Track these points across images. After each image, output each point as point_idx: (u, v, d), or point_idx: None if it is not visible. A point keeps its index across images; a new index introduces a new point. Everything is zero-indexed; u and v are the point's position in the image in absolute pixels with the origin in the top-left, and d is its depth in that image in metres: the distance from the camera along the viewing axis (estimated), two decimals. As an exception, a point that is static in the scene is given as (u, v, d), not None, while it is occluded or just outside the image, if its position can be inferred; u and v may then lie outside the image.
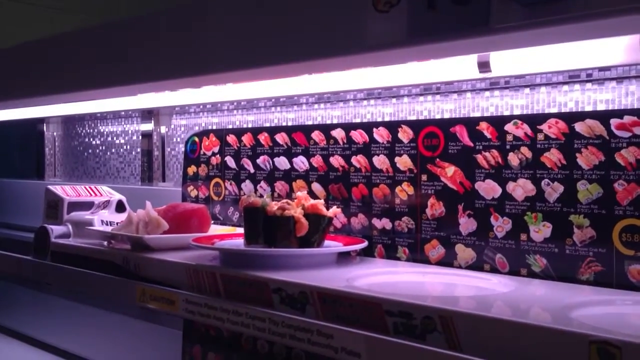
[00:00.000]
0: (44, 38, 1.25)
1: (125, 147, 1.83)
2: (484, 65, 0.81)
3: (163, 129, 1.67)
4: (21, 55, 1.35)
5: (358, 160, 1.13)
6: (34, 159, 2.03)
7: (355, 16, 0.68)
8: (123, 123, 1.83)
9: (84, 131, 1.97)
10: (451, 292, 0.94)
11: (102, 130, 1.91)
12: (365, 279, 0.94)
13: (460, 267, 1.01)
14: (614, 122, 0.85)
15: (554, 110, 1.02)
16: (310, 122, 1.35)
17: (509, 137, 0.95)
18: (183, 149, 1.61)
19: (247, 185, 1.31)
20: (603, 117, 0.86)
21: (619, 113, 0.85)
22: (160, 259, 1.08)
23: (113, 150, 1.86)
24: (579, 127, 0.88)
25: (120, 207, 1.34)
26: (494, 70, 0.81)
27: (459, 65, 0.84)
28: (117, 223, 1.32)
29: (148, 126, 1.69)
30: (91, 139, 1.94)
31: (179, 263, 1.03)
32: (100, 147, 1.91)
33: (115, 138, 1.86)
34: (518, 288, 0.86)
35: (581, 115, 0.88)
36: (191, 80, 0.99)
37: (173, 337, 1.43)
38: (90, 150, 1.95)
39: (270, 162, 1.27)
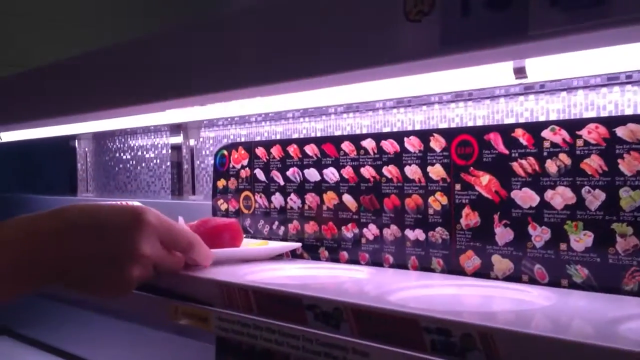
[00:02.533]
0: (73, 56, 1.26)
1: (155, 161, 1.84)
2: (519, 71, 0.79)
3: (192, 142, 1.68)
4: (51, 74, 1.37)
5: (389, 171, 1.11)
6: (67, 175, 2.06)
7: (387, 26, 0.66)
8: (152, 137, 1.84)
9: (114, 146, 1.99)
10: (489, 306, 0.91)
11: (132, 144, 1.93)
12: (399, 294, 0.91)
13: (497, 278, 0.98)
14: (657, 126, 0.82)
15: (592, 113, 0.99)
16: (339, 132, 1.34)
17: (546, 144, 0.92)
18: (212, 162, 1.61)
19: (277, 198, 1.30)
20: (645, 120, 0.83)
21: (663, 116, 0.82)
22: (192, 275, 1.07)
23: (143, 164, 1.87)
24: (620, 131, 0.85)
25: (151, 222, 1.34)
26: (530, 76, 0.79)
27: (493, 72, 0.81)
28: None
29: (177, 139, 1.69)
30: (121, 154, 1.96)
31: (211, 280, 1.02)
32: (131, 162, 1.93)
33: (145, 152, 1.87)
34: (559, 300, 0.83)
35: (622, 120, 0.85)
36: (221, 96, 0.99)
37: (206, 351, 1.42)
38: (121, 165, 1.96)
39: (300, 174, 1.26)
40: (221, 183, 1.41)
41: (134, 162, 1.89)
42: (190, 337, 1.50)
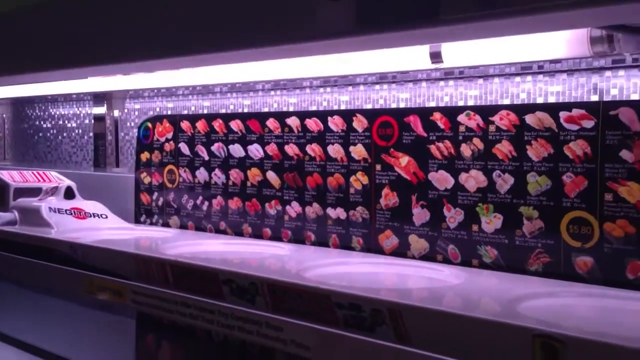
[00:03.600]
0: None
1: (77, 131, 1.77)
2: (436, 56, 0.81)
3: (116, 113, 1.63)
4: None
5: (313, 149, 1.12)
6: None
7: (307, 4, 0.66)
8: (75, 106, 1.77)
9: (34, 114, 1.91)
10: (404, 284, 0.94)
11: (53, 113, 1.85)
12: (318, 270, 0.93)
13: (414, 257, 1.01)
14: (563, 114, 0.86)
15: (507, 101, 1.02)
16: (266, 109, 1.33)
17: (462, 128, 0.95)
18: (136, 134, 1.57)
19: (201, 173, 1.29)
20: (552, 109, 0.87)
21: (568, 106, 0.86)
22: (109, 249, 1.05)
23: (65, 134, 1.81)
24: (529, 119, 0.89)
25: (69, 194, 1.30)
26: (446, 61, 0.81)
27: (411, 56, 0.83)
28: (65, 210, 1.29)
29: (100, 110, 1.64)
30: (42, 122, 1.88)
31: (128, 253, 1.01)
32: (52, 131, 1.85)
33: (66, 121, 1.81)
34: (469, 279, 0.87)
35: (532, 108, 0.89)
36: (144, 65, 0.96)
37: (127, 326, 1.40)
38: (40, 134, 1.89)
39: (225, 150, 1.25)
40: (145, 156, 1.38)
41: (54, 132, 1.82)
42: (111, 312, 1.47)
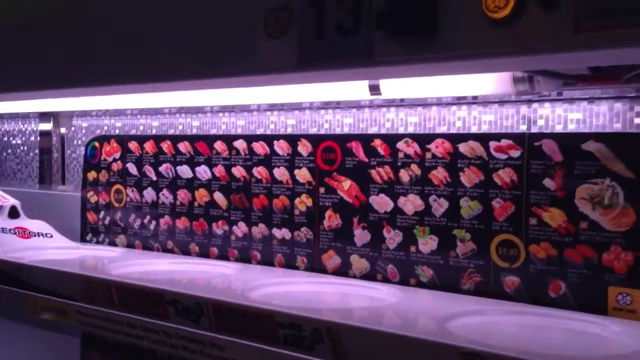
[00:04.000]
0: None
1: (22, 147, 1.75)
2: (374, 88, 0.86)
3: (63, 130, 1.62)
4: None
5: (259, 172, 1.15)
6: None
7: (249, 40, 0.70)
8: (20, 123, 1.75)
9: (-23, 130, 1.88)
10: (344, 303, 0.98)
11: (-3, 129, 1.83)
12: (263, 290, 0.96)
13: (355, 276, 1.05)
14: (492, 144, 0.92)
15: (444, 127, 1.08)
16: (214, 130, 1.36)
17: (401, 155, 1.00)
18: (83, 152, 1.57)
19: (149, 193, 1.30)
20: (483, 139, 0.93)
21: (497, 136, 0.92)
22: (53, 268, 1.06)
23: (9, 150, 1.78)
24: (462, 147, 0.95)
25: (13, 213, 1.30)
26: (384, 93, 0.86)
27: (351, 87, 0.88)
28: (10, 230, 1.28)
29: (47, 126, 1.63)
30: (-15, 138, 1.85)
31: (72, 273, 1.01)
32: (-5, 147, 1.83)
33: (11, 138, 1.78)
34: (405, 298, 0.92)
35: (464, 137, 0.95)
36: (90, 90, 0.98)
37: (72, 345, 1.39)
38: (-16, 150, 1.86)
39: (173, 170, 1.27)
40: (92, 175, 1.39)
41: (-2, 148, 1.79)
42: (56, 330, 1.46)
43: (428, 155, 0.97)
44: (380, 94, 0.84)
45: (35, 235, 1.31)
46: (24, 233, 1.31)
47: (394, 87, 0.84)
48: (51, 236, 1.33)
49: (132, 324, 0.91)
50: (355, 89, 0.87)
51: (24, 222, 1.34)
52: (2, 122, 1.79)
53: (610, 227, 0.84)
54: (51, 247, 1.28)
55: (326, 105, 1.19)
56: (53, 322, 1.40)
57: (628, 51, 0.51)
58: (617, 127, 0.95)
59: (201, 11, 0.73)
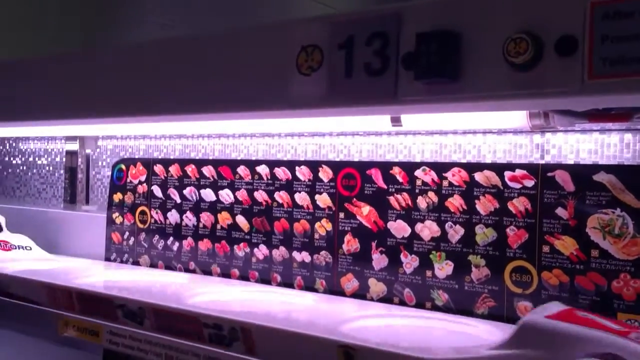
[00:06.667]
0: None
1: (47, 167, 1.81)
2: (396, 120, 0.90)
3: (88, 151, 1.68)
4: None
5: (281, 196, 1.20)
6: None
7: (282, 77, 0.75)
8: (46, 143, 1.81)
9: (3, 150, 1.93)
10: (264, 308, 1.06)
11: (22, 149, 1.88)
12: (203, 297, 1.07)
13: (372, 299, 1.09)
14: (507, 174, 0.96)
15: (459, 155, 1.12)
16: (236, 153, 1.41)
17: (419, 182, 1.04)
18: (108, 173, 1.62)
19: (173, 215, 1.35)
20: (498, 169, 0.97)
21: (512, 166, 0.96)
22: (21, 277, 1.17)
23: (34, 170, 1.84)
24: (478, 176, 0.99)
25: (-3, 228, 1.42)
26: (405, 125, 0.91)
27: (374, 120, 0.92)
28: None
29: (73, 147, 1.68)
30: (11, 158, 1.91)
31: (35, 281, 1.13)
32: (21, 167, 1.88)
33: (37, 158, 1.84)
34: (318, 301, 1.06)
35: (480, 166, 0.99)
36: (123, 120, 1.03)
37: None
38: (10, 170, 1.91)
39: (197, 194, 1.31)
40: (117, 197, 1.44)
41: (24, 168, 1.84)
42: (77, 348, 1.50)
43: (445, 183, 1.02)
44: (401, 125, 0.89)
45: (15, 248, 1.46)
46: (6, 245, 1.45)
47: (414, 120, 0.89)
48: (30, 249, 1.48)
49: (162, 344, 0.95)
50: (377, 120, 0.91)
51: (6, 235, 1.49)
52: (27, 142, 1.85)
53: (620, 256, 0.87)
54: (30, 259, 1.42)
55: (345, 132, 1.24)
56: (75, 340, 1.44)
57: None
58: (628, 157, 0.99)
59: (237, 49, 0.79)
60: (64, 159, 1.72)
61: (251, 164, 1.23)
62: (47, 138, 1.79)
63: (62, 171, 1.73)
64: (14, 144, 1.90)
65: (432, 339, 0.90)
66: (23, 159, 1.87)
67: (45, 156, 1.80)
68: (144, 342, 0.97)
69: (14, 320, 1.26)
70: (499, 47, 0.58)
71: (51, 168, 1.79)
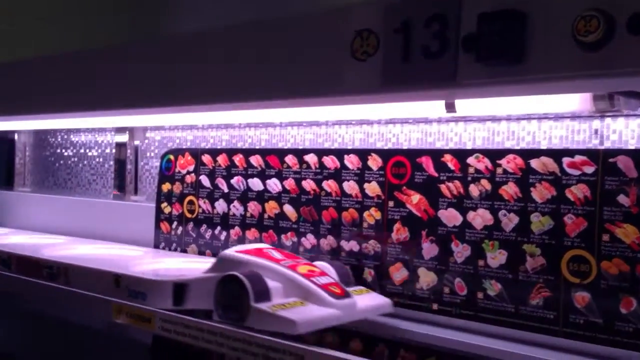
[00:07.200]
0: (23, 59, 1.28)
1: (97, 159, 1.84)
2: (450, 106, 0.88)
3: (137, 143, 1.70)
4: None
5: (329, 185, 1.19)
6: (4, 168, 2.03)
7: (336, 62, 0.74)
8: (96, 135, 1.85)
9: (55, 141, 1.98)
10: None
11: (74, 141, 1.92)
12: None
13: (422, 289, 1.07)
14: (565, 160, 0.93)
15: (513, 142, 1.10)
16: (282, 143, 1.41)
17: (471, 170, 1.02)
18: (156, 164, 1.64)
19: (220, 204, 1.36)
20: (556, 155, 0.94)
21: (571, 152, 0.93)
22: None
23: (85, 162, 1.88)
24: (534, 163, 0.96)
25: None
26: (459, 111, 0.89)
27: (427, 106, 0.90)
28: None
29: (122, 139, 1.71)
30: (63, 150, 1.95)
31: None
32: (72, 159, 1.92)
33: (87, 150, 1.88)
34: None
35: (536, 153, 0.96)
36: (175, 109, 1.04)
37: (142, 349, 1.46)
38: (61, 161, 1.96)
39: (244, 183, 1.32)
40: (166, 187, 1.45)
41: (75, 159, 1.89)
42: (126, 334, 1.53)
43: (499, 170, 0.99)
44: (455, 111, 0.87)
45: None
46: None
47: (469, 105, 0.87)
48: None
49: (213, 332, 0.95)
50: (431, 106, 0.89)
51: None
52: (79, 134, 1.89)
53: (686, 245, 0.84)
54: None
55: (393, 120, 1.22)
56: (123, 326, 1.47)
57: None
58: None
59: (290, 35, 0.78)
60: (114, 151, 1.75)
61: (299, 153, 1.23)
62: (97, 130, 1.82)
63: (111, 162, 1.77)
64: (65, 136, 1.94)
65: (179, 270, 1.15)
66: (74, 150, 1.91)
67: (96, 148, 1.84)
68: (195, 329, 0.98)
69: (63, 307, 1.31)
70: (567, 26, 0.56)
71: (101, 159, 1.83)
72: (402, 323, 1.05)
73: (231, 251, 1.04)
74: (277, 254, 1.02)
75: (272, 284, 0.93)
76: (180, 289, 0.99)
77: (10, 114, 1.37)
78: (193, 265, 1.21)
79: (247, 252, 1.02)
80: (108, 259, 1.27)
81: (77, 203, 1.73)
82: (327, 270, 1.03)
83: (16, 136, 2.01)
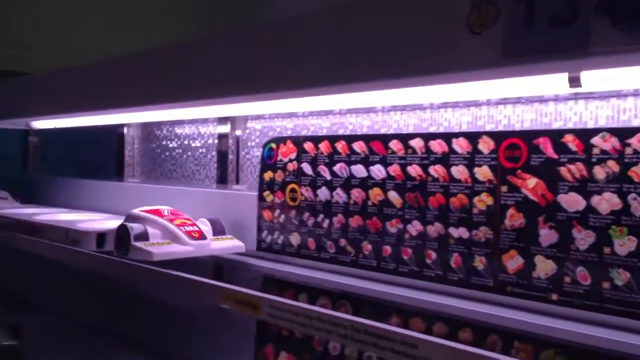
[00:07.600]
0: (126, 55, 1.32)
1: (201, 150, 1.89)
2: (574, 80, 0.81)
3: (238, 133, 1.73)
4: (103, 71, 1.43)
5: (436, 170, 1.14)
6: (115, 161, 2.13)
7: (451, 37, 0.69)
8: (199, 126, 1.89)
9: (161, 134, 2.05)
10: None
11: (178, 133, 1.98)
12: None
13: (539, 278, 1.00)
14: None
15: (640, 121, 1.00)
16: (385, 129, 1.37)
17: (596, 151, 0.94)
18: (257, 153, 1.66)
19: (323, 192, 1.34)
20: (697, 132, 0.85)
21: None
22: None
23: (189, 153, 1.93)
24: (670, 141, 0.87)
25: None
26: (585, 85, 0.81)
27: (548, 81, 0.84)
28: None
29: (224, 129, 1.74)
30: (168, 142, 2.02)
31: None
32: (177, 150, 1.99)
33: (191, 141, 1.93)
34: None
35: (673, 130, 0.87)
36: (283, 94, 1.03)
37: (246, 335, 1.48)
38: (167, 153, 2.02)
39: (348, 170, 1.30)
40: (268, 175, 1.46)
41: (180, 151, 1.95)
42: (230, 321, 1.55)
43: (628, 150, 0.91)
44: (580, 85, 0.80)
45: None
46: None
47: (597, 78, 0.79)
48: (6, 199, 2.08)
49: (321, 319, 0.94)
50: (550, 82, 0.82)
51: None
52: (182, 126, 1.95)
53: None
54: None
55: (505, 100, 1.15)
56: (228, 313, 1.49)
57: None
58: None
59: (400, 9, 0.74)
60: (216, 141, 1.79)
61: (404, 138, 1.19)
62: (200, 121, 1.87)
63: (214, 153, 1.81)
64: (170, 129, 2.01)
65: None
66: (179, 142, 1.97)
67: (199, 139, 1.89)
68: (303, 316, 0.97)
69: (176, 295, 1.34)
70: None
71: (204, 150, 1.87)
72: (517, 314, 0.99)
73: (137, 210, 1.39)
74: (167, 213, 1.39)
75: (151, 230, 1.32)
76: (101, 237, 1.44)
77: (120, 106, 1.42)
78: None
79: (145, 211, 1.39)
80: (72, 221, 1.64)
81: (181, 192, 1.78)
82: (203, 223, 1.39)
83: (125, 130, 2.11)
